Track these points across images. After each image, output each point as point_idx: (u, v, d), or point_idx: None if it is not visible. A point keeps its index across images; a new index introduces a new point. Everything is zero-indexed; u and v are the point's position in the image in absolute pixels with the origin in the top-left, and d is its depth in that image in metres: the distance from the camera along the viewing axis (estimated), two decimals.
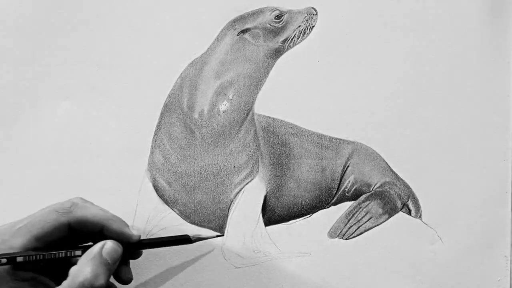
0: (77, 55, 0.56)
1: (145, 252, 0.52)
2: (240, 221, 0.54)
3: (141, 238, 0.49)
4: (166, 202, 0.55)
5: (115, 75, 0.56)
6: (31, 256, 0.44)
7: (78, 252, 0.45)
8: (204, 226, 0.55)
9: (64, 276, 0.43)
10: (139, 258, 0.50)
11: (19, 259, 0.43)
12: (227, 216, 0.54)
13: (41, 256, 0.45)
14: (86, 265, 0.43)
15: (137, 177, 0.55)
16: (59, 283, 0.43)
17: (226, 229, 0.54)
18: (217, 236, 0.52)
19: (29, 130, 0.55)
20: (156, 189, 0.55)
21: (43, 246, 0.45)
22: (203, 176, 0.54)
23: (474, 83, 0.56)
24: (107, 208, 0.48)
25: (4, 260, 0.43)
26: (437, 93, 0.56)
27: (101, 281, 0.43)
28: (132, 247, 0.48)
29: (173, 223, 0.55)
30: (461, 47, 0.56)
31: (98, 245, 0.45)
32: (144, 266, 0.53)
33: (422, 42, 0.56)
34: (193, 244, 0.51)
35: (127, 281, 0.48)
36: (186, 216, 0.55)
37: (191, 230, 0.54)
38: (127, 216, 0.52)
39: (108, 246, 0.45)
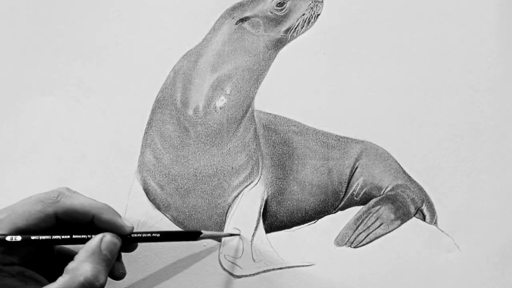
0: (61, 46, 0.56)
1: (137, 264, 0.52)
2: (239, 227, 0.54)
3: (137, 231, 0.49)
4: (157, 206, 0.55)
5: (103, 69, 0.56)
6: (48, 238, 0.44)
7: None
8: None
9: (56, 270, 0.43)
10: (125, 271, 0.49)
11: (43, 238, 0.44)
12: (224, 222, 0.54)
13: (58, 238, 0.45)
14: (85, 262, 0.43)
15: (126, 179, 0.55)
16: (50, 278, 0.43)
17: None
18: (231, 235, 0.52)
19: (9, 126, 0.55)
20: (147, 192, 0.55)
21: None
22: (198, 178, 0.54)
23: (493, 79, 0.56)
24: None
25: (19, 238, 0.43)
26: (453, 88, 0.56)
27: (102, 279, 0.43)
28: (129, 240, 0.47)
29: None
30: (479, 39, 0.56)
31: (96, 239, 0.44)
32: (136, 279, 0.53)
33: (437, 33, 0.56)
34: (189, 252, 0.52)
35: (120, 276, 0.48)
36: (180, 222, 0.54)
37: None
38: None
39: (107, 239, 0.44)
